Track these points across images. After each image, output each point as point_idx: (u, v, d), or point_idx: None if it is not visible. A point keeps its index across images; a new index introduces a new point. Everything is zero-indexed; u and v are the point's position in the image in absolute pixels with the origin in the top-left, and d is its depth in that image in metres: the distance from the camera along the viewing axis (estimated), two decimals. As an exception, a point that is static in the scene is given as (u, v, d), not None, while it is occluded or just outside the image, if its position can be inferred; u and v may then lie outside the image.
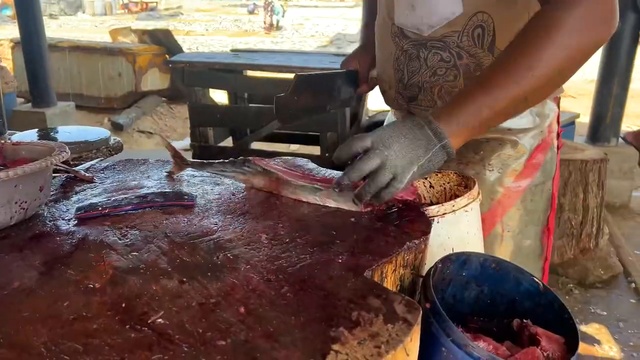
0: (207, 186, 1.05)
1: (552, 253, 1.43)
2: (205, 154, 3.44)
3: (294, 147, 4.57)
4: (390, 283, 0.81)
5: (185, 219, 0.88)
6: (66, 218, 0.91)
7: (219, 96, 4.14)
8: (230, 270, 0.74)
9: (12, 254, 0.79)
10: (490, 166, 1.14)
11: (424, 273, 0.88)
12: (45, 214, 0.93)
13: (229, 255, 0.78)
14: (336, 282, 0.72)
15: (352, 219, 0.90)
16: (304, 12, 25.20)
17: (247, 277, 0.73)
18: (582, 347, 2.15)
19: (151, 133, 5.54)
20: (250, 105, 3.65)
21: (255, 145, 3.51)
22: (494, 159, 1.14)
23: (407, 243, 0.82)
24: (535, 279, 0.87)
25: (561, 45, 0.86)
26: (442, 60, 1.11)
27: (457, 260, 0.88)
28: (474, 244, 1.07)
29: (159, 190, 0.97)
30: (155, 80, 5.81)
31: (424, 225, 0.87)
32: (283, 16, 17.66)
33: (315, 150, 3.28)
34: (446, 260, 0.86)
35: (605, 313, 2.38)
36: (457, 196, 1.17)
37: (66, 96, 5.49)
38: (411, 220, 0.89)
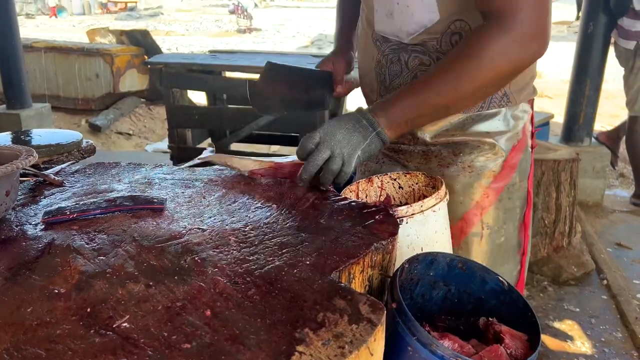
0: (178, 189, 1.05)
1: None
2: (183, 155, 3.42)
3: (275, 148, 4.56)
4: (358, 284, 0.82)
5: (154, 223, 0.88)
6: (33, 223, 0.90)
7: (198, 97, 4.12)
8: (197, 273, 0.75)
9: (-24, 259, 0.78)
10: (469, 168, 1.17)
11: (392, 273, 0.89)
12: (12, 218, 0.92)
13: (196, 258, 0.78)
14: (303, 284, 0.73)
15: (322, 221, 0.91)
16: (286, 13, 25.14)
17: (214, 280, 0.73)
18: (555, 343, 2.19)
19: (130, 134, 5.48)
20: (229, 106, 3.64)
21: (235, 146, 3.50)
22: (473, 161, 1.17)
23: (375, 244, 0.83)
24: (500, 278, 0.88)
25: (486, 68, 0.96)
26: (422, 64, 1.13)
27: (425, 261, 0.89)
28: (442, 242, 1.09)
29: (129, 194, 0.97)
30: (133, 81, 5.74)
31: (391, 226, 0.88)
32: (255, 5, 17.08)
33: (295, 150, 3.27)
34: (413, 260, 0.87)
35: (578, 309, 2.43)
36: (425, 196, 1.19)
37: (42, 97, 5.41)
38: (379, 221, 0.90)
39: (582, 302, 2.48)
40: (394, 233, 0.87)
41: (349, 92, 1.39)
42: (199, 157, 1.19)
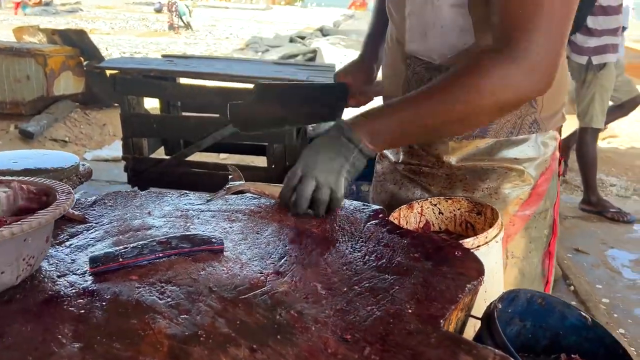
0: (222, 223, 0.96)
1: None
2: (140, 166, 3.21)
3: (224, 156, 4.39)
4: (452, 329, 0.77)
5: (224, 268, 0.79)
6: (77, 272, 0.77)
7: (148, 103, 3.89)
8: (300, 330, 0.67)
9: (29, 323, 0.65)
10: (496, 195, 1.14)
11: (473, 312, 0.85)
12: (46, 266, 0.79)
13: (291, 312, 0.70)
14: (417, 337, 0.67)
15: (399, 259, 0.85)
16: (214, 13, 24.65)
17: (321, 338, 0.66)
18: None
19: (65, 141, 5.11)
20: (191, 114, 3.47)
21: (195, 156, 3.33)
22: (499, 188, 1.13)
23: (468, 285, 0.78)
24: (583, 313, 0.86)
25: (486, 93, 0.90)
26: None
27: (507, 298, 0.86)
28: (500, 273, 1.06)
29: (181, 234, 0.86)
30: (68, 84, 5.35)
31: (476, 264, 0.84)
32: (190, 16, 17.15)
33: (262, 161, 3.17)
34: (500, 299, 0.83)
35: (551, 316, 2.51)
36: (468, 222, 1.16)
37: (-37, 100, 4.94)
38: (461, 258, 0.85)
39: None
40: (481, 271, 0.82)
41: (367, 103, 1.34)
42: (228, 185, 1.09)
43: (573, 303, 2.58)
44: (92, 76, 5.48)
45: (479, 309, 0.85)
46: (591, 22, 3.18)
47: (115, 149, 4.55)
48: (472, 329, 0.87)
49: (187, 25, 16.63)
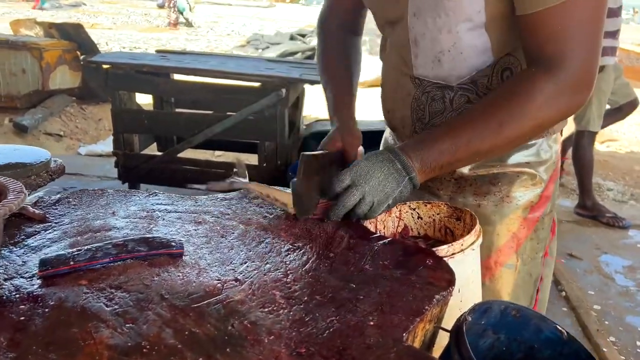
0: (188, 225, 0.92)
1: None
2: (131, 162, 3.18)
3: (218, 153, 4.35)
4: (418, 341, 0.74)
5: (180, 274, 0.75)
6: (26, 275, 0.74)
7: (141, 99, 3.85)
8: (252, 343, 0.63)
9: (-36, 331, 0.62)
10: (508, 199, 1.12)
11: (443, 324, 0.81)
12: (-5, 268, 0.75)
13: (245, 322, 0.66)
14: (376, 352, 0.63)
15: (367, 266, 0.81)
16: (217, 10, 24.57)
17: (273, 351, 0.62)
18: None
19: (60, 136, 5.07)
20: (182, 111, 3.43)
21: (188, 153, 3.29)
22: (511, 192, 1.12)
23: (436, 296, 0.75)
24: (558, 327, 0.83)
25: (532, 116, 0.92)
26: (469, 102, 1.06)
27: (480, 310, 0.82)
28: (476, 282, 1.03)
29: (138, 236, 0.82)
30: (64, 78, 5.31)
31: (447, 274, 0.80)
32: (191, 11, 17.02)
33: (253, 159, 3.13)
34: (471, 311, 0.80)
35: (541, 322, 2.47)
36: (447, 227, 1.12)
37: (-42, 93, 4.90)
38: (432, 267, 0.81)
39: (546, 314, 2.52)
40: (451, 282, 0.79)
41: None
42: (230, 180, 1.00)
43: (564, 309, 2.55)
44: (88, 71, 5.43)
45: (453, 320, 0.82)
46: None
47: (110, 144, 4.50)
48: (445, 340, 0.84)
49: (187, 22, 16.55)
